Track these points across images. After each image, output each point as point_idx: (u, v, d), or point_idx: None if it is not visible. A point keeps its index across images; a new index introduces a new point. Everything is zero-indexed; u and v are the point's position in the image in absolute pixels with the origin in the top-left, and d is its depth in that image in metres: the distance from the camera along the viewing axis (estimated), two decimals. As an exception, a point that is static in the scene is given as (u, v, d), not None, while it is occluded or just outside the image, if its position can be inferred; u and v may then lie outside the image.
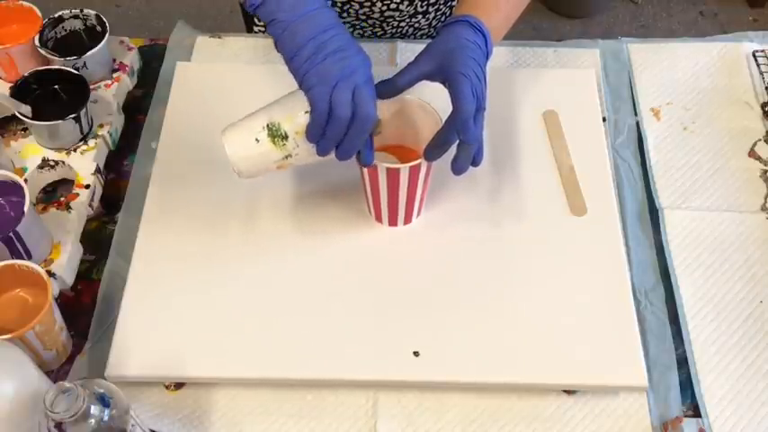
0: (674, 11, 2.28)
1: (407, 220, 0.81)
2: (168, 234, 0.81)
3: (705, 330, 0.77)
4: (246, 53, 0.99)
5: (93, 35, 0.91)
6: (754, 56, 0.98)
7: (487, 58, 0.73)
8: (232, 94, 0.87)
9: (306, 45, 0.66)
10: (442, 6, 1.03)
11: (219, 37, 1.01)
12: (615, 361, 0.72)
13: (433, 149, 0.71)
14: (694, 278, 0.80)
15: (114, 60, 0.94)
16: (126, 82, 0.93)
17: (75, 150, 0.86)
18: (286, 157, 0.69)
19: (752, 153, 0.90)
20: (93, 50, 0.88)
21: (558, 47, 1.00)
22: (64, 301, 0.78)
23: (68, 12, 0.91)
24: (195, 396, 0.73)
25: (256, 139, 0.68)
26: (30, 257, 0.75)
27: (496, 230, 0.81)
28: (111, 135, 0.89)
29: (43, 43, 0.88)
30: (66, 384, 0.55)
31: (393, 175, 0.73)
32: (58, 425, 0.56)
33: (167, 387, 0.73)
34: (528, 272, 0.78)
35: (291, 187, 0.84)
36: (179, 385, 0.73)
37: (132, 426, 0.61)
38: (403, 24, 1.03)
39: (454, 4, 1.04)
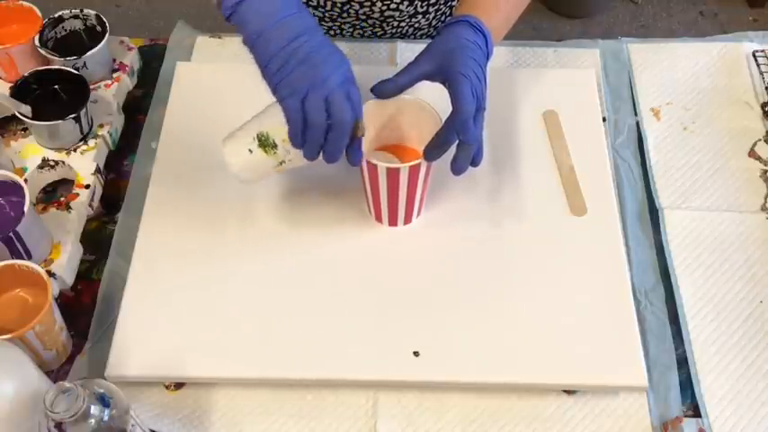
0: (674, 11, 2.28)
1: (407, 220, 0.81)
2: (169, 234, 0.81)
3: (705, 330, 0.77)
4: (246, 53, 0.98)
5: (93, 35, 0.91)
6: (754, 56, 0.98)
7: (488, 58, 0.73)
8: (232, 94, 0.87)
9: (277, 54, 0.65)
10: (442, 6, 1.03)
11: (219, 37, 1.01)
12: (615, 361, 0.72)
13: (433, 150, 0.71)
14: (694, 278, 0.80)
15: (114, 60, 0.94)
16: (126, 82, 0.93)
17: (75, 150, 0.86)
18: (281, 163, 0.72)
19: (752, 153, 0.90)
20: (93, 50, 0.88)
21: (558, 47, 1.00)
22: (64, 301, 0.78)
23: (68, 12, 0.91)
24: (195, 396, 0.73)
25: (249, 150, 0.71)
26: (30, 257, 0.75)
27: (496, 230, 0.81)
28: (111, 135, 0.89)
29: (43, 43, 0.88)
30: (67, 384, 0.55)
31: (393, 175, 0.73)
32: (58, 425, 0.56)
33: (167, 387, 0.73)
34: (528, 272, 0.78)
35: (291, 187, 0.84)
36: (179, 385, 0.73)
37: (132, 426, 0.61)
38: (403, 24, 1.03)
39: (454, 4, 1.04)
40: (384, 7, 0.98)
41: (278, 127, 0.69)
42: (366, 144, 0.77)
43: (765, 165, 0.89)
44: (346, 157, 0.70)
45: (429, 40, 0.75)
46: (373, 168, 0.73)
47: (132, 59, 0.95)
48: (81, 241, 0.81)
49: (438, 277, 0.78)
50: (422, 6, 1.01)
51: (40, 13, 0.90)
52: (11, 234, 0.72)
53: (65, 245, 0.79)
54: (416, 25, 1.04)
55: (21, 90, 0.84)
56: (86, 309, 0.78)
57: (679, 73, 0.97)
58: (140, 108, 0.95)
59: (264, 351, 0.73)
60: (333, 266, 0.78)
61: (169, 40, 1.01)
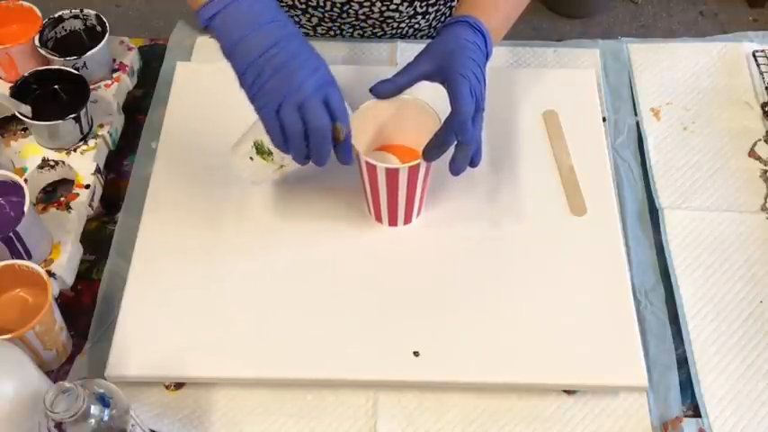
0: (674, 11, 2.28)
1: (407, 220, 0.81)
2: (169, 234, 0.81)
3: (705, 330, 0.77)
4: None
5: (93, 35, 0.91)
6: (754, 56, 0.98)
7: (487, 58, 0.73)
8: (232, 94, 0.86)
9: (252, 64, 0.66)
10: (441, 7, 1.03)
11: (219, 37, 1.01)
12: (615, 361, 0.72)
13: (432, 150, 0.71)
14: (694, 278, 0.80)
15: (114, 60, 0.94)
16: (126, 82, 0.93)
17: (75, 150, 0.86)
18: (280, 167, 0.75)
19: (752, 153, 0.90)
20: (93, 50, 0.88)
21: (558, 47, 1.00)
22: (64, 301, 0.78)
23: (68, 12, 0.91)
24: (195, 396, 0.73)
25: (250, 158, 0.75)
26: (30, 257, 0.75)
27: (496, 230, 0.81)
28: (111, 135, 0.89)
29: (43, 43, 0.88)
30: (67, 384, 0.55)
31: (392, 176, 0.73)
32: (58, 425, 0.56)
33: (167, 387, 0.73)
34: (528, 272, 0.78)
35: (291, 188, 0.84)
36: (179, 385, 0.73)
37: (132, 426, 0.61)
38: (403, 26, 1.03)
39: (454, 5, 1.04)
40: (384, 8, 0.98)
41: None
42: (366, 144, 0.77)
43: (765, 165, 0.89)
44: (336, 157, 0.70)
45: (429, 41, 0.75)
46: (372, 169, 0.73)
47: (132, 59, 0.95)
48: (81, 241, 0.81)
49: (438, 277, 0.78)
50: (421, 7, 1.01)
51: (40, 13, 0.90)
52: (11, 234, 0.72)
53: (65, 245, 0.79)
54: (416, 26, 1.04)
55: (21, 90, 0.84)
56: (86, 309, 0.78)
57: (679, 73, 0.97)
58: (140, 108, 0.95)
59: (264, 351, 0.73)
60: (333, 266, 0.78)
61: (169, 40, 1.01)
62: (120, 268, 0.80)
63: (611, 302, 0.76)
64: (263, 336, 0.74)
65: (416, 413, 0.72)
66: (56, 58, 0.87)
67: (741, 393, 0.73)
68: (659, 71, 0.97)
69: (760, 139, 0.91)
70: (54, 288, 0.74)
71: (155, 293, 0.77)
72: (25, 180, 0.80)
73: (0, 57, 0.88)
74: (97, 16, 0.91)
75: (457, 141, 0.70)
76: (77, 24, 0.92)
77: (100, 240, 0.83)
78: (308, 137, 0.67)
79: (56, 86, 0.87)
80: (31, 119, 0.82)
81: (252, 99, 0.67)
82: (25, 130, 0.88)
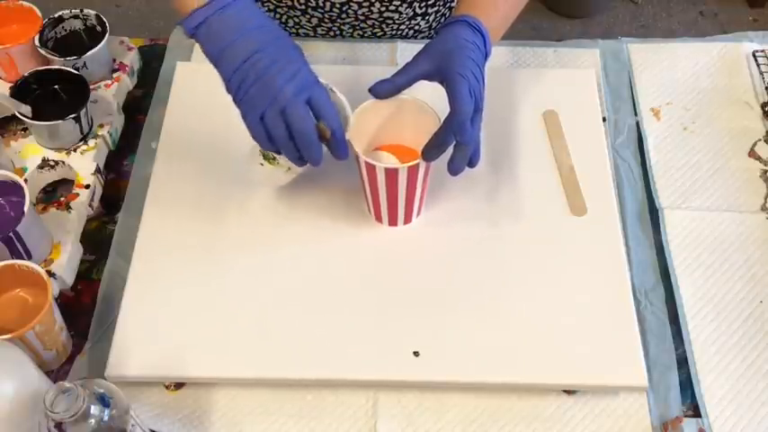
0: (674, 11, 2.28)
1: (407, 219, 0.81)
2: (169, 234, 0.81)
3: (705, 330, 0.77)
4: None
5: (93, 35, 0.91)
6: (754, 56, 0.98)
7: (486, 58, 0.73)
8: (232, 94, 0.87)
9: (238, 69, 0.66)
10: (441, 8, 1.03)
11: (219, 37, 1.01)
12: (615, 361, 0.72)
13: (431, 150, 0.71)
14: (694, 278, 0.80)
15: (114, 60, 0.94)
16: (126, 82, 0.93)
17: (75, 150, 0.86)
18: (288, 169, 0.84)
19: (752, 153, 0.90)
20: (93, 50, 0.88)
21: (558, 47, 1.00)
22: (64, 301, 0.78)
23: (68, 12, 0.91)
24: (195, 396, 0.73)
25: (261, 164, 0.85)
26: (30, 257, 0.75)
27: (497, 230, 0.81)
28: (111, 135, 0.89)
29: (43, 43, 0.88)
30: (67, 384, 0.55)
31: (392, 176, 0.73)
32: (58, 425, 0.56)
33: (167, 387, 0.73)
34: (528, 272, 0.78)
35: (291, 188, 0.84)
36: (179, 385, 0.73)
37: (132, 426, 0.61)
38: (403, 27, 1.03)
39: (454, 5, 1.04)
40: (383, 8, 0.98)
41: None
42: (365, 144, 0.77)
43: (765, 165, 0.89)
44: (332, 154, 0.71)
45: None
46: (372, 169, 0.73)
47: (132, 59, 0.95)
48: (81, 241, 0.81)
49: (438, 277, 0.78)
50: (420, 8, 1.01)
51: (40, 13, 0.90)
52: (11, 234, 0.72)
53: (65, 245, 0.79)
54: (416, 27, 1.04)
55: (21, 90, 0.84)
56: (86, 309, 0.78)
57: (679, 73, 0.97)
58: (140, 108, 0.95)
59: (264, 351, 0.73)
60: (333, 266, 0.78)
61: (169, 40, 1.01)
62: (120, 268, 0.80)
63: (611, 302, 0.76)
64: (263, 336, 0.74)
65: (416, 413, 0.72)
66: (56, 58, 0.87)
67: (741, 393, 0.73)
68: (659, 71, 0.97)
69: (760, 139, 0.91)
70: (54, 288, 0.74)
71: (155, 293, 0.77)
72: (25, 180, 0.80)
73: (0, 57, 0.88)
74: (97, 16, 0.91)
75: (455, 141, 0.70)
76: (77, 24, 0.92)
77: (100, 240, 0.83)
78: (294, 139, 0.68)
79: (56, 86, 0.87)
80: (31, 119, 0.82)
81: (238, 106, 0.68)
82: (25, 130, 0.88)
